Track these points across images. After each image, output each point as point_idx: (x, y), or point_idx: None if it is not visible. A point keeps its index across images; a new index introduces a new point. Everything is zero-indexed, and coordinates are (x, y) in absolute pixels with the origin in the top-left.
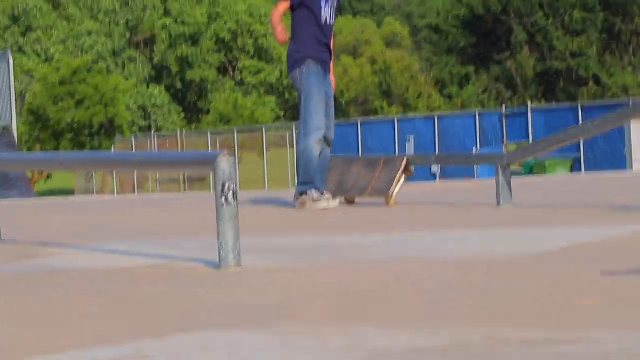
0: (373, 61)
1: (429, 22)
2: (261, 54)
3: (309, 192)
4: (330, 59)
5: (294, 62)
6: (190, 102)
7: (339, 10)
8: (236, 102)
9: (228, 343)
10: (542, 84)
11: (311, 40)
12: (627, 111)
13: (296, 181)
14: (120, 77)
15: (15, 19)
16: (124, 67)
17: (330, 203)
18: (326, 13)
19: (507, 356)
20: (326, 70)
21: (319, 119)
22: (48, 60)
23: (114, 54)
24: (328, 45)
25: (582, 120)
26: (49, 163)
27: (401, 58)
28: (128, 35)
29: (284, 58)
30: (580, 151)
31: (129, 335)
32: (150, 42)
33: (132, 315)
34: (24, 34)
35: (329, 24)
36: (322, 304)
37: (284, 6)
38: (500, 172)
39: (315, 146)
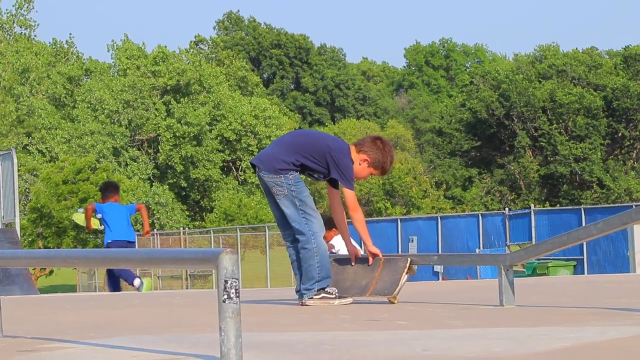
0: None
1: (432, 126)
2: None
3: (327, 288)
4: None
5: (279, 169)
6: (194, 201)
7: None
8: (240, 201)
9: None
10: (545, 187)
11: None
12: (631, 214)
13: (311, 279)
14: (122, 176)
15: (19, 120)
16: (126, 166)
17: (345, 299)
18: None
19: None
20: None
21: (319, 218)
22: (52, 159)
23: (116, 153)
24: None
25: (585, 223)
26: (52, 260)
27: (405, 160)
28: (130, 134)
29: None
30: (583, 253)
31: None
32: (153, 141)
33: None
34: (28, 134)
35: None
36: None
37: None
38: (504, 272)
39: (325, 242)
